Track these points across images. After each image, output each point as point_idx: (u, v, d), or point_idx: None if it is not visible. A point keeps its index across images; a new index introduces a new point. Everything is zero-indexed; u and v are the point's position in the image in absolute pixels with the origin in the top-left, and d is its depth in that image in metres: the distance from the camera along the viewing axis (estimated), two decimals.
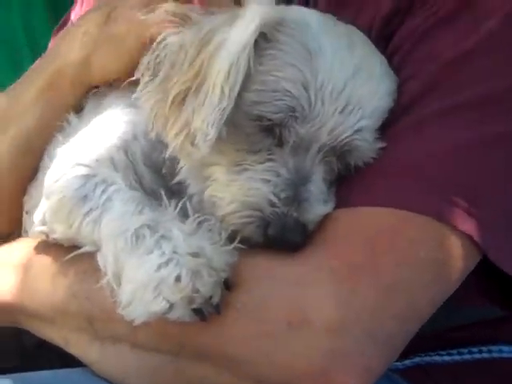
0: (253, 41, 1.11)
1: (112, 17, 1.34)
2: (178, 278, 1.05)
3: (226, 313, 1.07)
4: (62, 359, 1.31)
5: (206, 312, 1.06)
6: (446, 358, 1.33)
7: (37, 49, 3.57)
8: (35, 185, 1.44)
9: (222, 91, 1.10)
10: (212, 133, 1.11)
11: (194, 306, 1.05)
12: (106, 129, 1.28)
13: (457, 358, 1.33)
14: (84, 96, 1.39)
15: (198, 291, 1.05)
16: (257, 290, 1.09)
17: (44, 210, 1.26)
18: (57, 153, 1.29)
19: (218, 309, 1.07)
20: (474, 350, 1.33)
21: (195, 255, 1.07)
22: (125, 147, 1.25)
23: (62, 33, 1.52)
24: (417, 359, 1.32)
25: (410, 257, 1.09)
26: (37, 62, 1.51)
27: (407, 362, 1.31)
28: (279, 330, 1.06)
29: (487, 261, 1.14)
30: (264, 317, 1.07)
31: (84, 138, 1.29)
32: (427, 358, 1.32)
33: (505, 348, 1.34)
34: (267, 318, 1.07)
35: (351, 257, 1.09)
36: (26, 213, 1.46)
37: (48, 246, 1.27)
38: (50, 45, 1.60)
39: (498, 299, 1.30)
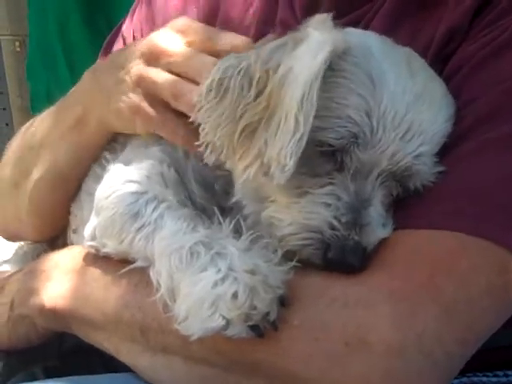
0: (323, 69, 1.11)
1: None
2: (234, 295, 1.06)
3: (282, 330, 1.08)
4: (101, 362, 1.35)
5: (262, 328, 1.07)
6: (493, 379, 1.32)
7: (71, 54, 3.63)
8: (78, 204, 1.48)
9: (297, 120, 1.10)
10: (290, 163, 1.11)
11: (251, 322, 1.06)
12: (155, 148, 1.30)
13: (503, 379, 1.33)
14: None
15: (255, 308, 1.05)
16: (314, 308, 1.09)
17: (94, 226, 1.28)
18: (102, 175, 1.31)
19: (274, 325, 1.07)
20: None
21: (251, 272, 1.07)
22: (175, 164, 1.27)
23: (93, 68, 1.49)
24: (464, 379, 1.32)
25: (469, 280, 1.10)
26: (69, 93, 1.51)
27: (455, 381, 1.31)
28: (337, 349, 1.06)
29: None
30: (322, 336, 1.07)
31: (133, 157, 1.30)
32: (475, 379, 1.32)
33: None
34: (325, 337, 1.07)
35: (410, 278, 1.09)
36: (73, 231, 1.49)
37: (99, 258, 1.29)
38: (86, 73, 1.52)
39: None
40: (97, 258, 1.30)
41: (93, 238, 1.28)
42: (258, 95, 1.14)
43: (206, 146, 1.18)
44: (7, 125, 4.46)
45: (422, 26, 1.29)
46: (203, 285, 1.08)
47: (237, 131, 1.14)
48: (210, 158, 1.19)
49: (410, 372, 1.06)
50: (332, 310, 1.08)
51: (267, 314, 1.06)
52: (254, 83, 1.15)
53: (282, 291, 1.08)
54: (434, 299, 1.08)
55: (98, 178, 1.33)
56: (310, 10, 1.34)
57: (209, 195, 1.26)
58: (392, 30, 1.27)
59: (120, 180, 1.25)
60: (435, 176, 1.16)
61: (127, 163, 1.29)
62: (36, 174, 1.50)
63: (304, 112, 1.11)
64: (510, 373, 1.34)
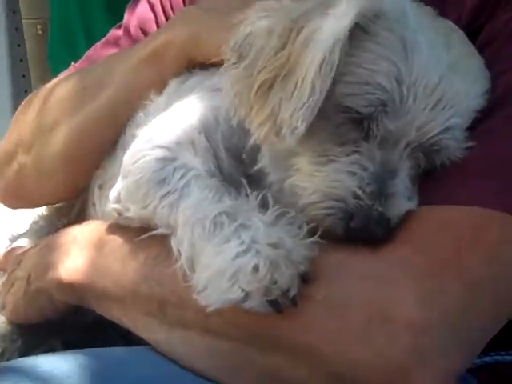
0: (347, 34, 1.09)
1: None
2: (255, 268, 1.04)
3: (303, 305, 1.05)
4: (122, 335, 1.33)
5: (282, 304, 1.05)
6: None
7: (92, 37, 3.62)
8: (111, 160, 1.45)
9: (313, 85, 1.08)
10: (302, 127, 1.09)
11: (271, 297, 1.04)
12: (187, 112, 1.27)
13: None
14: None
15: (275, 282, 1.03)
16: (337, 284, 1.07)
17: (119, 189, 1.26)
18: (137, 133, 1.29)
19: (294, 302, 1.05)
20: None
21: (274, 246, 1.05)
22: (206, 131, 1.24)
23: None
24: (487, 358, 1.29)
25: (495, 256, 1.07)
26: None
27: (478, 361, 1.28)
28: (359, 325, 1.04)
29: None
30: (344, 312, 1.05)
31: (165, 120, 1.28)
32: (498, 357, 1.30)
33: None
34: (347, 312, 1.05)
35: (435, 253, 1.06)
36: (99, 187, 1.47)
37: (119, 228, 1.27)
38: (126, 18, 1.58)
39: None
40: (115, 231, 1.28)
41: (117, 200, 1.26)
42: (278, 52, 1.12)
43: (232, 105, 1.16)
44: None
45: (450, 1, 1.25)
46: (224, 256, 1.06)
47: (254, 87, 1.12)
48: (234, 120, 1.17)
49: (434, 349, 1.03)
50: (355, 285, 1.06)
51: (288, 289, 1.04)
52: (276, 40, 1.12)
53: (305, 267, 1.06)
54: (459, 275, 1.05)
55: (133, 137, 1.31)
56: None
57: (237, 164, 1.24)
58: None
59: (149, 145, 1.23)
60: (464, 151, 1.13)
61: (157, 127, 1.27)
62: (83, 114, 1.46)
63: (322, 77, 1.08)
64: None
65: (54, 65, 3.81)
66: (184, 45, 1.38)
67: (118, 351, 1.23)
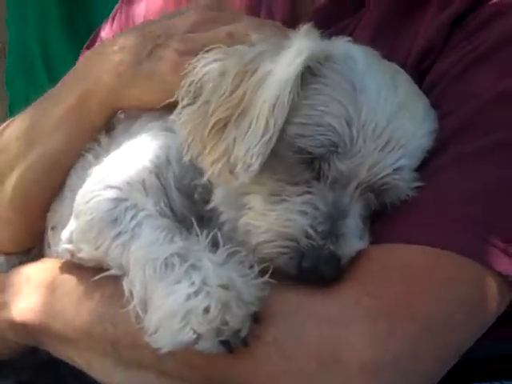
0: (299, 75, 1.11)
1: (156, 55, 1.32)
2: (206, 309, 1.04)
3: (255, 347, 1.06)
4: (76, 375, 1.31)
5: (233, 344, 1.05)
6: None
7: (50, 62, 3.60)
8: (60, 201, 1.44)
9: (267, 123, 1.10)
10: (256, 165, 1.11)
11: (222, 338, 1.04)
12: (138, 152, 1.28)
13: None
14: (112, 117, 1.39)
15: (226, 323, 1.04)
16: (288, 325, 1.07)
17: (72, 229, 1.25)
18: (85, 173, 1.29)
19: (245, 342, 1.06)
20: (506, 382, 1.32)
21: (225, 287, 1.06)
22: (157, 171, 1.25)
23: (92, 52, 1.50)
24: None
25: (446, 296, 1.09)
26: (64, 79, 1.49)
27: None
28: (310, 368, 1.04)
29: None
30: (295, 353, 1.05)
31: (116, 160, 1.28)
32: None
33: None
34: (298, 354, 1.05)
35: (386, 294, 1.07)
36: (51, 229, 1.46)
37: (73, 268, 1.27)
38: (79, 61, 1.57)
39: None
40: (70, 271, 1.27)
41: (70, 241, 1.26)
42: (232, 93, 1.14)
43: (184, 144, 1.18)
44: None
45: (400, 41, 1.29)
46: (175, 297, 1.06)
47: (208, 125, 1.14)
48: (186, 157, 1.18)
49: None
50: (306, 327, 1.07)
51: (239, 330, 1.04)
52: (230, 81, 1.14)
53: (256, 308, 1.06)
54: (410, 317, 1.07)
55: (80, 178, 1.31)
56: (290, 24, 1.33)
57: (189, 203, 1.25)
58: (370, 44, 1.26)
59: (101, 185, 1.23)
60: (413, 191, 1.15)
61: (109, 167, 1.27)
62: (25, 163, 1.45)
63: (275, 115, 1.10)
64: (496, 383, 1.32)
65: (11, 90, 3.78)
66: (104, 98, 1.37)
67: None
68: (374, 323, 1.05)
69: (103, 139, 1.38)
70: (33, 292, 1.30)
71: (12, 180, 1.47)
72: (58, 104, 1.44)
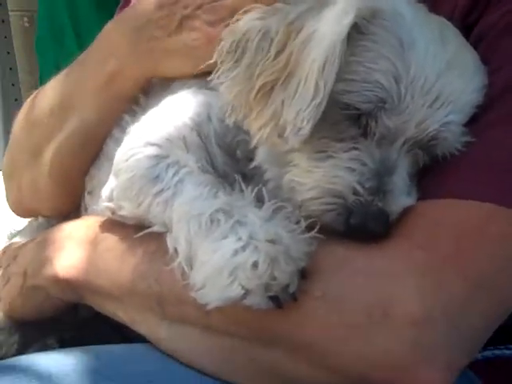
0: (347, 33, 1.09)
1: (187, 27, 1.31)
2: (255, 264, 1.03)
3: (303, 301, 1.05)
4: (118, 331, 1.33)
5: (282, 300, 1.04)
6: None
7: (80, 28, 3.60)
8: (97, 167, 1.45)
9: (317, 85, 1.08)
10: (307, 128, 1.09)
11: (271, 293, 1.04)
12: (178, 109, 1.27)
13: None
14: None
15: (275, 278, 1.03)
16: (336, 279, 1.07)
17: (112, 187, 1.25)
18: (123, 136, 1.28)
19: (294, 297, 1.05)
20: None
21: (273, 242, 1.05)
22: (198, 128, 1.23)
23: (118, 23, 1.45)
24: (487, 353, 1.30)
25: (497, 251, 1.07)
26: (93, 48, 1.47)
27: (477, 355, 1.27)
28: (359, 321, 1.04)
29: None
30: (344, 307, 1.05)
31: (156, 117, 1.27)
32: (497, 352, 1.30)
33: None
34: (347, 308, 1.05)
35: (437, 249, 1.06)
36: (88, 193, 1.47)
37: (115, 225, 1.26)
38: (107, 28, 1.50)
39: None
40: (112, 227, 1.27)
41: (110, 199, 1.25)
42: (277, 55, 1.12)
43: (228, 107, 1.16)
44: (16, 100, 4.43)
45: None
46: (223, 253, 1.05)
47: (254, 89, 1.12)
48: (229, 119, 1.17)
49: (434, 345, 1.03)
50: (355, 280, 1.06)
51: (287, 285, 1.04)
52: (275, 43, 1.12)
53: (304, 263, 1.05)
54: (460, 271, 1.05)
55: (118, 141, 1.31)
56: None
57: (231, 161, 1.24)
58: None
59: (140, 142, 1.22)
60: (463, 145, 1.13)
61: (148, 124, 1.26)
62: (61, 136, 1.46)
63: (325, 76, 1.08)
64: None
65: (42, 58, 3.78)
66: (136, 75, 1.36)
67: (117, 348, 1.23)
68: (423, 277, 1.04)
69: (141, 98, 1.37)
70: (75, 248, 1.30)
71: (49, 153, 1.49)
72: (90, 76, 1.43)
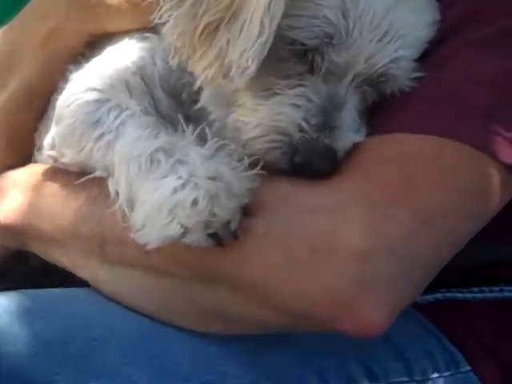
0: None
1: None
2: (194, 202, 1.00)
3: (245, 238, 1.02)
4: (68, 282, 1.28)
5: (222, 237, 1.02)
6: (468, 295, 1.29)
7: None
8: (45, 122, 1.40)
9: (262, 24, 1.05)
10: (252, 67, 1.06)
11: (211, 230, 1.01)
12: (121, 54, 1.24)
13: (478, 295, 1.29)
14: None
15: (215, 215, 1.00)
16: (280, 215, 1.03)
17: (54, 135, 1.23)
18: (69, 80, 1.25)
19: (235, 234, 1.02)
20: (495, 288, 1.29)
21: (213, 179, 1.02)
22: (141, 71, 1.21)
23: None
24: (438, 295, 1.28)
25: (447, 185, 1.05)
26: (33, 2, 1.42)
27: (429, 297, 1.27)
28: (303, 257, 1.01)
29: None
30: (286, 243, 1.02)
31: (98, 63, 1.24)
32: (448, 295, 1.28)
33: None
34: (289, 244, 1.02)
35: (385, 183, 1.03)
36: (37, 150, 1.42)
37: (59, 171, 1.24)
38: None
39: None
40: (56, 174, 1.25)
41: (52, 146, 1.23)
42: None
43: (171, 48, 1.12)
44: None
45: None
46: (162, 191, 1.02)
47: (198, 29, 1.08)
48: (173, 61, 1.13)
49: (379, 279, 1.01)
50: (299, 216, 1.03)
51: (228, 222, 1.01)
52: None
53: (246, 199, 1.03)
54: (408, 204, 1.02)
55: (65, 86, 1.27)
56: None
57: (176, 104, 1.21)
58: None
59: (81, 88, 1.19)
60: (413, 81, 1.10)
61: (89, 71, 1.23)
62: (4, 96, 1.42)
63: (271, 13, 1.05)
64: (495, 288, 1.30)
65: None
66: (80, 33, 1.32)
67: (55, 291, 1.20)
68: (371, 210, 1.01)
69: (86, 50, 1.33)
70: (18, 194, 1.27)
71: None
72: (30, 34, 1.39)
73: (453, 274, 1.23)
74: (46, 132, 1.35)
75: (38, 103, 1.38)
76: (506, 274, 1.31)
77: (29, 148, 1.43)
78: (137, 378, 1.08)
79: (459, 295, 1.28)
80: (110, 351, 1.09)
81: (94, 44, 1.33)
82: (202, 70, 1.09)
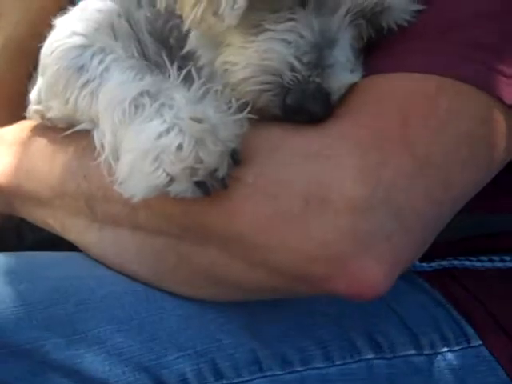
0: None
1: None
2: (179, 147, 0.94)
3: (234, 188, 0.96)
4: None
5: (210, 186, 0.95)
6: (477, 264, 1.20)
7: None
8: (33, 80, 1.33)
9: None
10: (241, 1, 0.99)
11: (197, 178, 0.94)
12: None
13: (487, 264, 1.20)
14: None
15: (201, 161, 0.94)
16: (270, 163, 0.96)
17: (40, 87, 1.18)
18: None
19: (223, 183, 0.95)
20: (507, 258, 1.21)
21: (199, 121, 0.95)
22: (127, 14, 1.15)
23: None
24: (444, 262, 1.20)
25: (446, 129, 0.97)
26: None
27: (434, 264, 1.19)
28: (295, 208, 0.94)
29: None
30: (278, 193, 0.95)
31: (82, 8, 1.18)
32: (456, 262, 1.20)
33: None
34: (281, 194, 0.95)
35: (381, 126, 0.96)
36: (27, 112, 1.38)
37: (46, 127, 1.19)
38: None
39: None
40: (44, 129, 1.19)
41: (38, 101, 1.18)
42: None
43: None
44: None
45: None
46: (146, 137, 0.96)
47: None
48: (161, 3, 1.07)
49: (376, 232, 0.93)
50: (291, 164, 0.96)
51: (215, 169, 0.94)
52: None
53: (234, 145, 0.96)
54: (406, 150, 0.95)
55: None
56: None
57: (164, 49, 1.14)
58: None
59: (65, 33, 1.14)
60: (411, 15, 1.03)
61: (74, 16, 1.18)
62: None
63: None
64: (507, 258, 1.22)
65: None
66: None
67: (43, 254, 1.15)
68: (365, 156, 0.94)
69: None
70: (6, 152, 1.22)
71: None
72: None
73: (461, 243, 1.17)
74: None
75: (28, 61, 1.32)
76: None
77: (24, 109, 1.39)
78: (127, 345, 1.03)
79: (467, 263, 1.21)
80: (99, 317, 1.04)
81: None
82: (191, 8, 1.03)
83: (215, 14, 1.02)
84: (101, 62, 1.08)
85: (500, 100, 0.98)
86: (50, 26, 1.25)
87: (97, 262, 1.11)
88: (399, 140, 0.95)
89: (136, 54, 1.12)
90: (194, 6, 1.03)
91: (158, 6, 1.09)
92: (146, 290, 1.08)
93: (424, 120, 0.97)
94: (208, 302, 1.07)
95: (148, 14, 1.14)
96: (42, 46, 1.25)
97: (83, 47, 1.11)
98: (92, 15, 1.15)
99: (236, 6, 1.00)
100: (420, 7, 1.03)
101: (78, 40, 1.12)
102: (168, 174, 0.95)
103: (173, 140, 0.95)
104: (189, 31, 1.09)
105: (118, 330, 1.03)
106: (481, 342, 1.19)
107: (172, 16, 1.11)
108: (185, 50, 1.10)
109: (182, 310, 1.07)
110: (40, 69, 1.17)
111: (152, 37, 1.15)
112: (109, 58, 1.08)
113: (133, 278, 1.09)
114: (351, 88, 1.01)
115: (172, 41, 1.14)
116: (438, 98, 0.97)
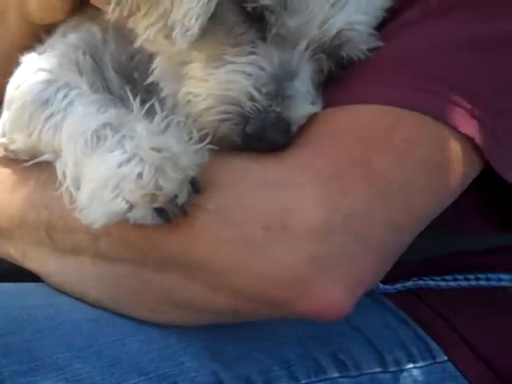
0: None
1: None
2: (139, 175, 0.95)
3: (194, 215, 0.96)
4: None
5: (170, 213, 0.96)
6: (441, 283, 1.22)
7: None
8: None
9: None
10: (195, 28, 1.01)
11: (157, 205, 0.95)
12: (72, 34, 1.21)
13: (452, 284, 1.22)
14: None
15: (161, 188, 0.94)
16: (231, 191, 0.98)
17: (4, 121, 1.18)
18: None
19: (183, 210, 0.96)
20: (471, 276, 1.23)
21: (159, 151, 0.96)
22: (92, 51, 1.17)
23: None
24: (409, 283, 1.21)
25: (405, 158, 0.99)
26: None
27: (398, 285, 1.21)
28: (256, 234, 0.95)
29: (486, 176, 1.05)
30: (238, 220, 0.96)
31: (48, 46, 1.21)
32: (420, 283, 1.22)
33: (504, 276, 1.23)
34: (242, 221, 0.96)
35: (340, 156, 0.98)
36: None
37: (8, 160, 1.19)
38: None
39: (496, 224, 1.22)
40: (6, 162, 1.19)
41: (3, 134, 1.19)
42: None
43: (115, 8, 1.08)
44: None
45: None
46: (107, 166, 0.97)
47: None
48: (112, 15, 1.08)
49: (337, 257, 0.95)
50: (251, 192, 0.97)
51: (175, 196, 0.95)
52: None
53: (194, 173, 0.97)
54: (365, 178, 0.97)
55: None
56: None
57: (127, 84, 1.16)
58: None
59: (31, 69, 1.16)
60: (371, 50, 1.06)
61: (41, 53, 1.19)
62: None
63: None
64: (470, 276, 1.23)
65: None
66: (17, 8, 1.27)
67: (3, 286, 1.15)
68: (325, 185, 0.96)
69: (43, 35, 1.28)
70: None
71: None
72: None
73: (425, 263, 1.18)
74: None
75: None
76: (480, 262, 1.25)
77: None
78: (86, 372, 1.01)
79: (432, 283, 1.22)
80: (56, 344, 1.03)
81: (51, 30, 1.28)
82: (144, 28, 1.05)
83: (167, 37, 1.04)
84: (65, 96, 1.09)
85: (456, 129, 1.00)
86: (16, 63, 1.26)
87: (57, 291, 1.11)
88: (357, 170, 0.97)
89: (100, 89, 1.14)
90: (148, 26, 1.05)
91: (109, 17, 1.09)
92: (107, 316, 1.07)
93: (381, 151, 0.99)
94: (170, 326, 1.07)
95: (113, 51, 1.17)
96: (8, 82, 1.26)
97: (48, 82, 1.12)
98: (57, 52, 1.17)
99: (189, 33, 1.02)
100: (379, 43, 1.06)
101: (43, 75, 1.13)
102: (127, 201, 0.95)
103: (133, 168, 0.96)
104: (153, 64, 1.11)
105: (78, 356, 1.02)
106: (446, 358, 1.20)
107: (136, 52, 1.13)
108: (148, 81, 1.12)
109: (143, 335, 1.06)
110: (5, 102, 1.18)
111: (116, 72, 1.17)
112: (73, 93, 1.09)
113: (93, 305, 1.08)
114: (311, 119, 1.03)
115: (136, 75, 1.16)
116: (395, 128, 1.00)
